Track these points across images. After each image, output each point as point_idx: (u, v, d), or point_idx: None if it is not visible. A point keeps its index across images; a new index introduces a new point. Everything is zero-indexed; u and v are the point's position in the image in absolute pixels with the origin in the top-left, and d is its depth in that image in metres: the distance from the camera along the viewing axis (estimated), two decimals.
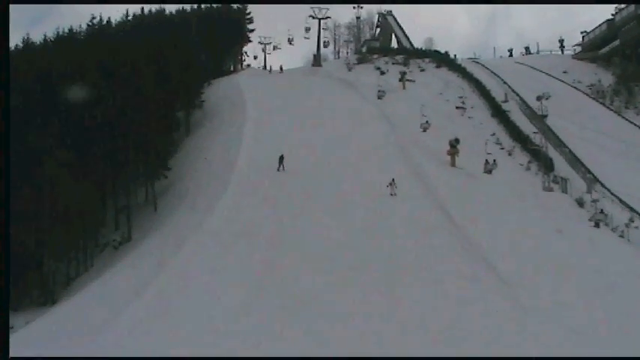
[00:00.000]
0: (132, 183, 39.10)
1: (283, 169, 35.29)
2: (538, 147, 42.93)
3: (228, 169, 36.60)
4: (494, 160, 39.33)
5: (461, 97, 53.76)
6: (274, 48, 71.14)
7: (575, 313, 22.57)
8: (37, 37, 58.26)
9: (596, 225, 33.33)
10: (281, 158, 35.42)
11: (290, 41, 70.41)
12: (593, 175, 41.78)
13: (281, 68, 65.54)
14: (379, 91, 52.75)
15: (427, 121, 43.14)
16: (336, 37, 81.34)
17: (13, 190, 31.66)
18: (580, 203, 36.79)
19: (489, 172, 38.14)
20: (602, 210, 34.90)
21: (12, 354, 14.98)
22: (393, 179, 32.50)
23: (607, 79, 59.57)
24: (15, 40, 44.21)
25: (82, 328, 23.32)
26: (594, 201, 36.05)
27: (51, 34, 50.30)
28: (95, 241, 36.14)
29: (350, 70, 63.23)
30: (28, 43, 42.43)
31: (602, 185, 40.73)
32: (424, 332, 20.73)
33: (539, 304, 23.02)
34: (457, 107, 51.49)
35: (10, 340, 24.72)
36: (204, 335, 20.69)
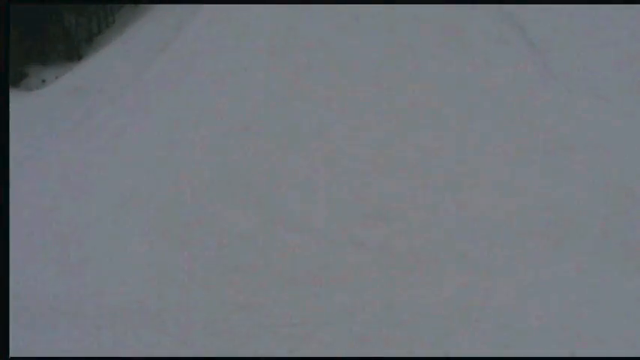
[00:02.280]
0: None
1: None
2: None
3: None
4: None
5: None
6: None
7: (604, 81, 22.05)
8: None
9: None
10: None
11: None
12: None
13: None
14: None
15: None
16: None
17: None
18: None
19: None
20: None
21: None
22: None
23: None
24: None
25: (109, 82, 23.90)
26: None
27: None
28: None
29: None
30: None
31: None
32: (449, 89, 20.55)
33: (569, 70, 22.53)
34: None
35: (44, 92, 26.07)
36: (234, 87, 20.34)
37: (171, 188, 16.27)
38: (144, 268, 13.82)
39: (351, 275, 13.63)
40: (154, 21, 29.38)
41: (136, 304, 12.69)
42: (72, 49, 32.33)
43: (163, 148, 17.64)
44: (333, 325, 11.98)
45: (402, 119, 18.94)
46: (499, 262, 13.98)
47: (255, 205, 15.64)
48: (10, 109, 17.71)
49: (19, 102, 23.44)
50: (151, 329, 11.85)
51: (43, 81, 29.01)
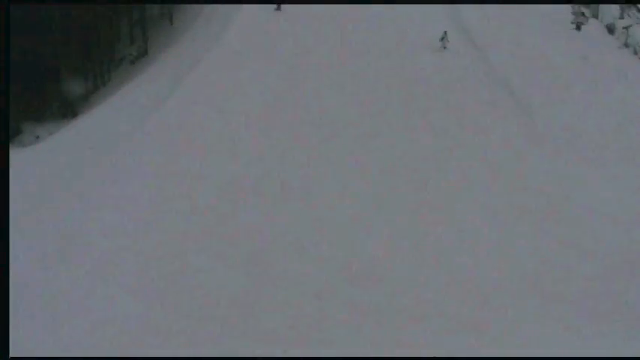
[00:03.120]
0: None
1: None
2: None
3: None
4: None
5: None
6: None
7: (591, 143, 22.56)
8: None
9: (578, 28, 32.49)
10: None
11: None
12: None
13: None
14: None
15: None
16: None
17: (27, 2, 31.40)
18: (610, 30, 35.54)
19: None
20: (583, 13, 33.86)
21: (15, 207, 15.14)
22: (446, 32, 28.79)
23: None
24: None
25: (103, 139, 23.83)
26: (626, 27, 34.85)
27: None
28: (111, 56, 35.80)
29: None
30: None
31: (638, 10, 39.00)
32: (439, 151, 20.91)
33: (556, 132, 23.03)
34: None
35: (36, 148, 26.18)
36: (224, 145, 20.69)
37: (159, 246, 16.31)
38: (128, 320, 13.77)
39: (341, 334, 13.66)
40: (149, 79, 29.69)
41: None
42: (67, 106, 32.74)
43: (152, 206, 17.75)
44: None
45: (392, 181, 19.17)
46: (487, 322, 14.15)
47: (244, 264, 15.66)
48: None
49: (12, 158, 23.57)
50: None
51: (37, 137, 29.11)
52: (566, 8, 36.00)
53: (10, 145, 27.35)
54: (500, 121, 23.41)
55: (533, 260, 16.66)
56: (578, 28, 34.21)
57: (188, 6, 36.84)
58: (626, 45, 33.73)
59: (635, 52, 33.13)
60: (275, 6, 31.18)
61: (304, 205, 17.71)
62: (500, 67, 27.33)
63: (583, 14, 35.21)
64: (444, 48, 28.20)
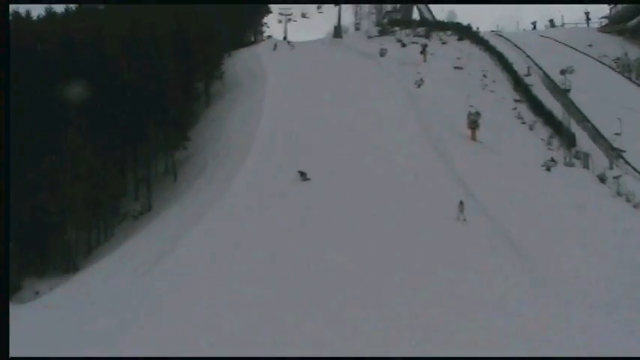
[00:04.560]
0: (152, 154, 39.31)
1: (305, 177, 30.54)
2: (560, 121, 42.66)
3: (248, 140, 36.25)
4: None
5: (484, 72, 53.23)
6: (290, 19, 69.23)
7: (594, 289, 22.40)
8: (59, 8, 58.54)
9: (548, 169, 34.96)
10: (301, 174, 30.46)
11: (304, 15, 69.80)
12: (616, 150, 41.19)
13: (288, 42, 64.23)
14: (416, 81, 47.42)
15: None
16: (358, 8, 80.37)
17: (36, 157, 32.65)
18: (602, 179, 36.58)
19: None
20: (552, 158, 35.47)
21: (14, 352, 14.80)
22: (462, 202, 27.00)
23: (634, 52, 58.80)
24: (39, 9, 44.56)
25: (103, 295, 23.72)
26: (616, 177, 35.92)
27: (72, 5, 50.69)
28: (116, 211, 36.53)
29: (370, 40, 62.70)
30: (49, 12, 42.86)
31: (626, 162, 40.46)
32: (446, 301, 20.52)
33: (559, 278, 22.94)
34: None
35: (36, 304, 25.86)
36: (224, 302, 20.44)
37: None
38: None
39: None
40: (151, 234, 30.26)
41: None
42: (69, 261, 32.71)
43: None
44: None
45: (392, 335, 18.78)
46: None
47: None
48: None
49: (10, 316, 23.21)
50: None
51: (37, 293, 28.82)
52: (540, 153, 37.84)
53: (10, 302, 27.05)
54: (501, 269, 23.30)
55: None
56: (548, 169, 36.09)
57: (191, 164, 38.24)
58: (619, 194, 34.56)
59: (628, 200, 33.91)
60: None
61: None
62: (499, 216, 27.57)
63: (552, 159, 37.34)
64: (464, 220, 26.39)
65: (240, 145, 36.09)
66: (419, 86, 46.02)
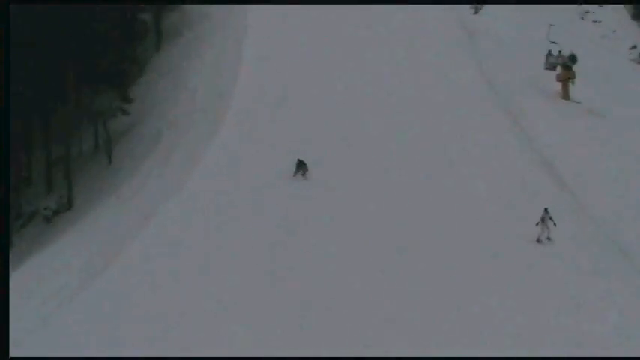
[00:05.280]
0: (74, 123, 38.04)
1: (303, 175, 30.12)
2: None
3: (220, 102, 35.67)
4: None
5: None
6: None
7: None
8: None
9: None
10: (300, 164, 30.18)
11: None
12: None
13: None
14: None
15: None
16: None
17: None
18: None
19: None
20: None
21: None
22: (546, 210, 25.02)
23: None
24: None
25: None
26: None
27: None
28: (15, 211, 35.19)
29: None
30: None
31: None
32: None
33: None
34: None
35: None
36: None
37: None
38: None
39: None
40: (71, 246, 29.60)
41: None
42: None
43: None
44: None
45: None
46: None
47: None
48: None
49: None
50: None
51: None
52: None
53: None
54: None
55: None
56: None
57: (135, 138, 37.32)
58: None
59: None
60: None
61: None
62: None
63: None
64: (548, 239, 25.03)
65: (209, 110, 35.49)
66: (476, 12, 44.52)
